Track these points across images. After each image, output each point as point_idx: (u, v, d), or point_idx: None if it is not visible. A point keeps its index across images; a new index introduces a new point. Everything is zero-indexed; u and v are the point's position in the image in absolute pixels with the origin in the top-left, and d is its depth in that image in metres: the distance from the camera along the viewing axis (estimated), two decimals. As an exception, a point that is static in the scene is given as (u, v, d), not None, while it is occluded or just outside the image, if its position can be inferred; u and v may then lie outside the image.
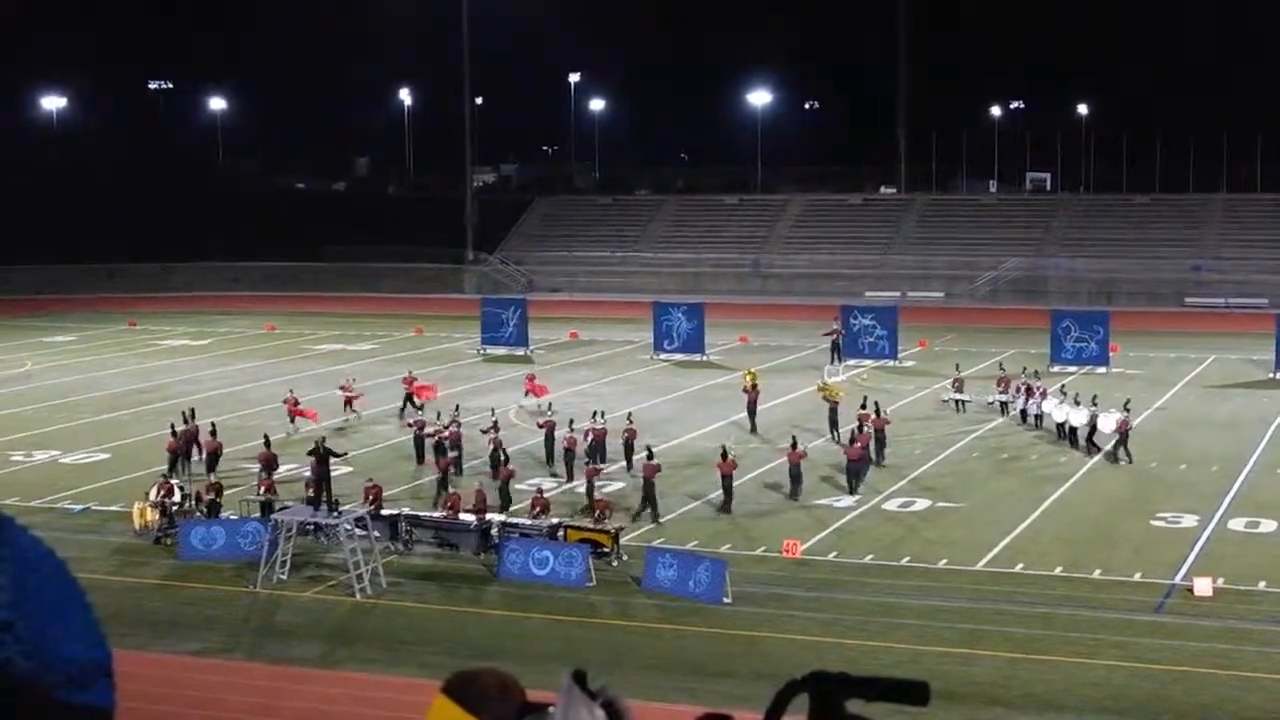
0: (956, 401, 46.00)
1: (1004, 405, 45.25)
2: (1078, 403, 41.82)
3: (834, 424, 41.40)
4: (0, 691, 1.61)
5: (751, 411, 43.47)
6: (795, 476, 35.17)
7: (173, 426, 38.23)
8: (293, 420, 43.48)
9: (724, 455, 34.51)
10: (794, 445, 35.90)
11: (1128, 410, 40.51)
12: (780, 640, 25.38)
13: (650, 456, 34.25)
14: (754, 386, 44.00)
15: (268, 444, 35.69)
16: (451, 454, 36.28)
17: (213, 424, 38.54)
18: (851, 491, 35.61)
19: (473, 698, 1.86)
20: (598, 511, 31.07)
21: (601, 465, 36.05)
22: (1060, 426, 41.95)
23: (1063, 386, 46.70)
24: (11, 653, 1.62)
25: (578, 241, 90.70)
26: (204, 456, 36.91)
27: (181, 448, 37.48)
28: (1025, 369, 47.90)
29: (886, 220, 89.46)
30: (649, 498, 33.32)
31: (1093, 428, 40.39)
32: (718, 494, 34.65)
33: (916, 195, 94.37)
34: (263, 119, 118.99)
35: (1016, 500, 34.94)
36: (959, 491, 35.94)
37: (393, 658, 25.08)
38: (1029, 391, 44.41)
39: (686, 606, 27.13)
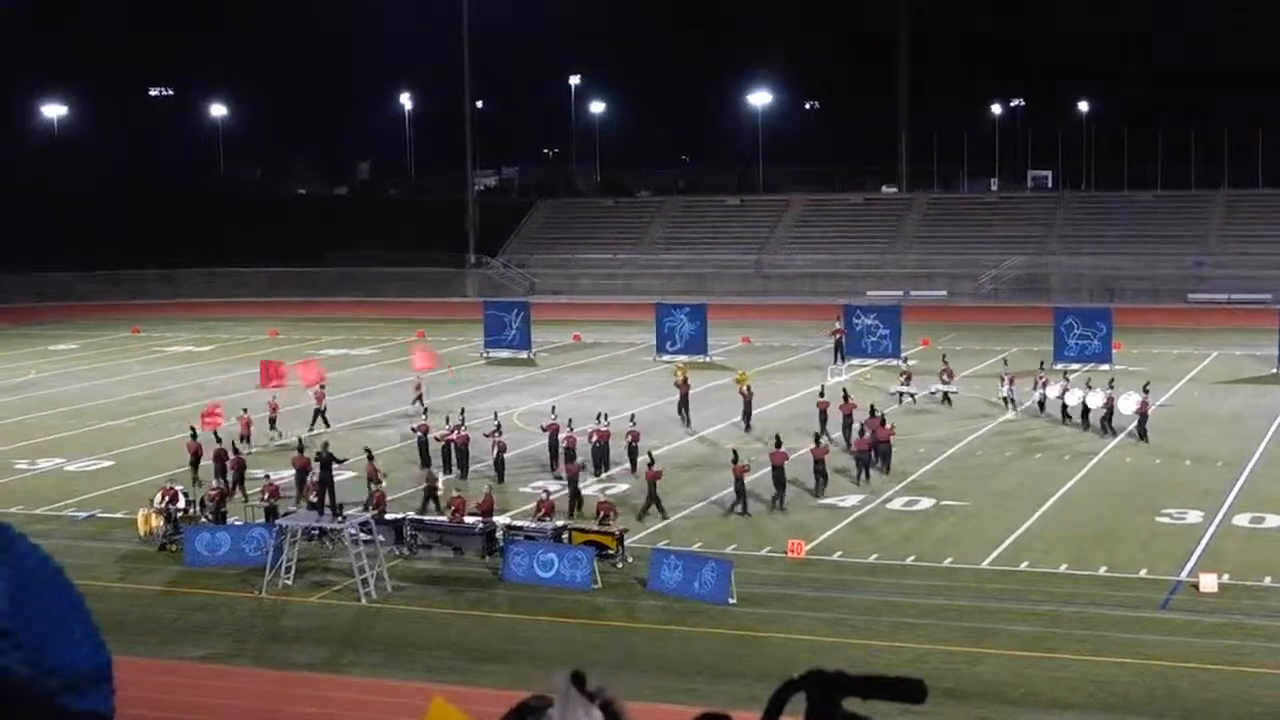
0: (902, 394, 46.15)
1: (946, 395, 46.32)
2: (1090, 386, 43.34)
3: (748, 414, 42.93)
4: (1, 698, 1.62)
5: (683, 405, 44.35)
6: (820, 473, 35.32)
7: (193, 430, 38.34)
8: (273, 426, 43.26)
9: (777, 444, 34.72)
10: (816, 440, 36.33)
11: (1147, 392, 41.92)
12: (786, 640, 25.39)
13: (778, 444, 34.82)
14: (685, 381, 45.23)
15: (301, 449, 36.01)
16: (579, 461, 35.50)
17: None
18: (886, 471, 36.93)
19: None
20: (602, 514, 31.06)
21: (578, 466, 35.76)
22: (1065, 409, 43.03)
23: (1066, 372, 47.16)
24: (11, 660, 1.62)
25: (580, 244, 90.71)
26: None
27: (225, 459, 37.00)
28: (1006, 361, 48.88)
29: (888, 219, 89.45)
30: (780, 483, 34.10)
31: (1109, 409, 41.61)
32: (725, 494, 34.73)
33: (918, 194, 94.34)
34: (264, 124, 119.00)
35: (1021, 498, 34.92)
36: (963, 490, 35.93)
37: (398, 662, 25.10)
38: (1020, 383, 45.65)
39: (692, 607, 27.15)
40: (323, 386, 46.22)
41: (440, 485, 34.05)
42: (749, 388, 44.48)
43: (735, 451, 35.14)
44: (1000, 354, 54.94)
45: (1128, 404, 41.68)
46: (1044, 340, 55.48)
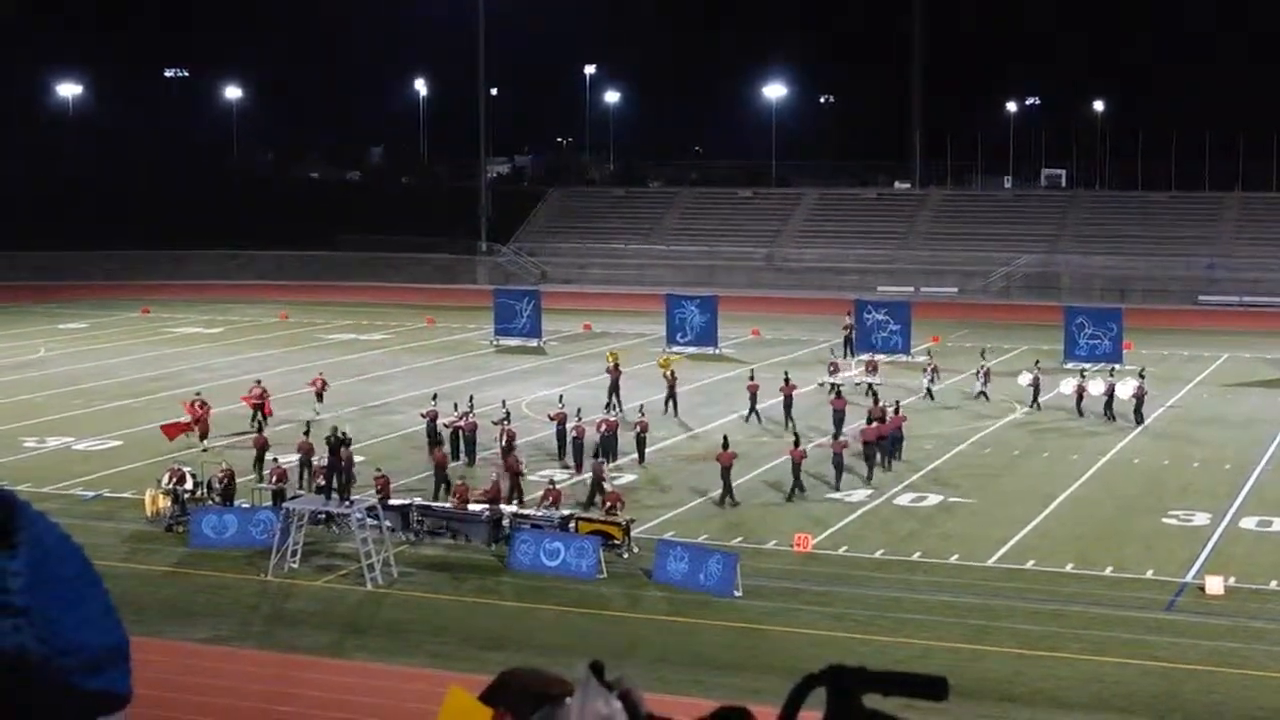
0: (833, 385, 46.32)
1: (871, 386, 46.69)
2: (1084, 375, 45.70)
3: (671, 398, 44.07)
4: (17, 677, 1.61)
5: (614, 390, 44.74)
6: (796, 474, 34.65)
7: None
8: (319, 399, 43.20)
9: (724, 445, 34.52)
10: (796, 443, 35.53)
11: (1143, 377, 44.01)
12: (790, 634, 25.42)
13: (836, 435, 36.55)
14: (616, 366, 46.09)
15: (307, 432, 35.71)
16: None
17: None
18: (887, 468, 36.86)
19: (490, 691, 1.85)
20: (609, 504, 31.04)
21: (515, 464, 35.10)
22: (1036, 395, 44.78)
23: (1037, 361, 48.17)
24: (28, 638, 1.61)
25: (591, 233, 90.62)
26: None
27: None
28: (930, 353, 50.48)
29: (901, 215, 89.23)
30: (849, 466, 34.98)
31: (1110, 396, 43.30)
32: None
33: (931, 190, 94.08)
34: (277, 108, 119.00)
35: (1028, 496, 34.87)
36: (970, 487, 35.86)
37: (403, 647, 25.14)
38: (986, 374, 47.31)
39: (697, 599, 27.12)
40: (259, 383, 43.65)
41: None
42: (673, 372, 45.34)
43: (796, 435, 35.72)
44: (1010, 352, 54.88)
45: (1124, 389, 43.43)
46: (1054, 339, 55.38)
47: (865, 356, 50.74)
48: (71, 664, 1.64)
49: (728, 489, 33.75)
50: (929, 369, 47.77)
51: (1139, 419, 42.79)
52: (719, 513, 33.30)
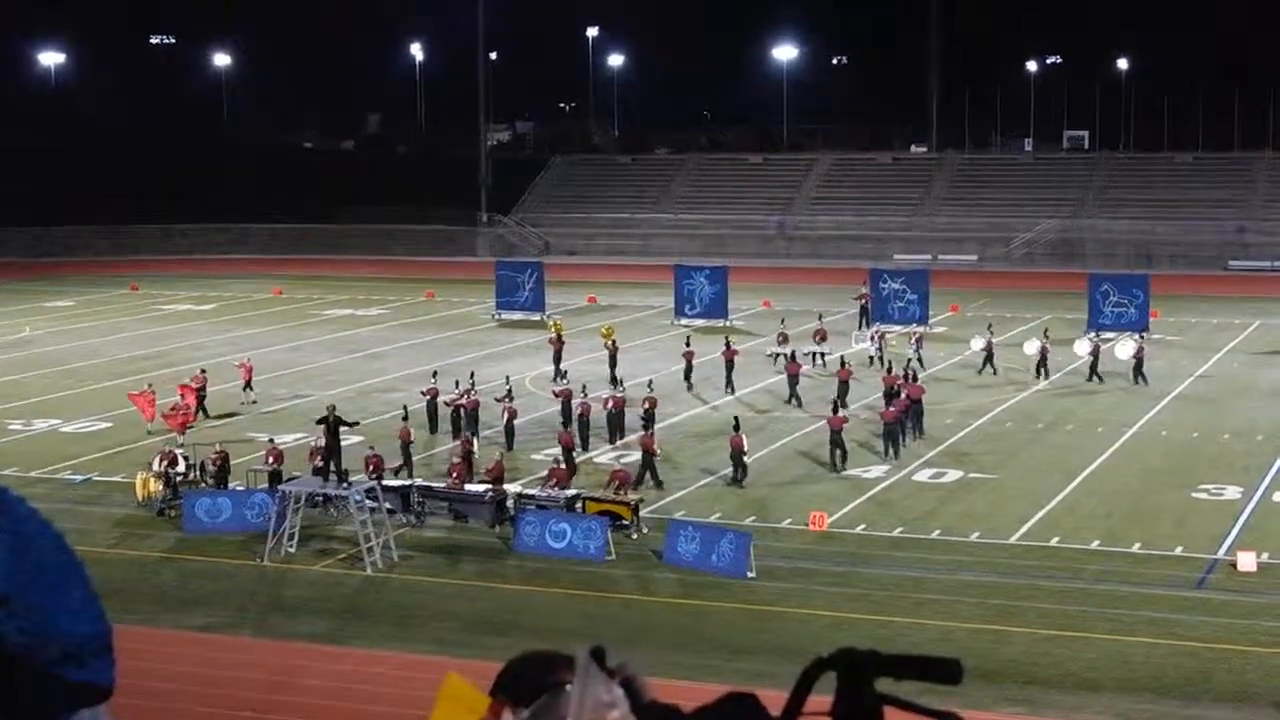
0: (777, 355, 45.94)
1: (822, 356, 46.73)
2: (1046, 335, 45.78)
3: (613, 365, 44.01)
4: None
5: (557, 359, 45.43)
6: (836, 443, 34.49)
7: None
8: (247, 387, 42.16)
9: (834, 410, 35.40)
10: (835, 410, 35.80)
11: (1143, 338, 44.94)
12: (805, 616, 25.06)
13: (835, 410, 35.76)
14: (559, 338, 46.67)
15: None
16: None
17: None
18: (885, 456, 35.55)
19: (497, 679, 1.81)
20: (615, 483, 30.28)
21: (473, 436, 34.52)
22: (990, 358, 45.10)
23: (990, 326, 48.18)
24: (7, 628, 1.61)
25: (596, 202, 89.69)
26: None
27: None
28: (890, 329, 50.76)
29: (917, 180, 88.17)
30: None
31: (1096, 356, 43.93)
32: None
33: (949, 154, 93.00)
34: (269, 74, 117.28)
35: (1052, 471, 34.32)
36: (992, 462, 35.29)
37: (405, 633, 24.80)
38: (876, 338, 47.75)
39: (709, 581, 26.73)
40: (203, 371, 41.94)
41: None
42: (614, 342, 45.53)
43: (736, 419, 34.44)
44: (1031, 321, 53.91)
45: (1124, 350, 44.06)
46: (1078, 307, 54.36)
47: (818, 325, 49.03)
48: (52, 654, 1.64)
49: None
50: (877, 336, 48.14)
51: (1136, 377, 43.10)
52: (731, 491, 32.68)
